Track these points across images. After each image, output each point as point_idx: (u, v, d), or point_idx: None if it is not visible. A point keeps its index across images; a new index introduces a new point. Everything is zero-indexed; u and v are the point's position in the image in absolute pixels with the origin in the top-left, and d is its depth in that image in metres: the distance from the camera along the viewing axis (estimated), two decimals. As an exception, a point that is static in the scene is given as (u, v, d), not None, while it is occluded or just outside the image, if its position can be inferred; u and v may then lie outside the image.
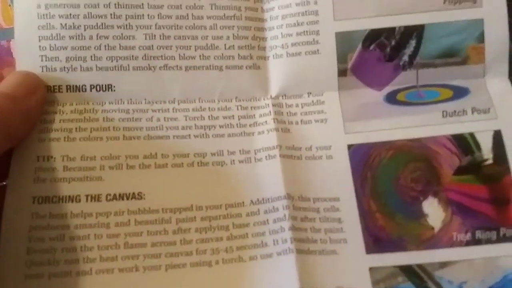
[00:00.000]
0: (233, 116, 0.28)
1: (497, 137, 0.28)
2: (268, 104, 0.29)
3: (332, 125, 0.28)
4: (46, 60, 0.27)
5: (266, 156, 0.28)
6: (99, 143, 0.27)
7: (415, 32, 0.29)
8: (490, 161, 0.28)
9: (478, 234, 0.27)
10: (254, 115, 0.28)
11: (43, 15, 0.27)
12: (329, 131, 0.28)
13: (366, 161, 0.28)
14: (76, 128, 0.27)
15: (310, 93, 0.29)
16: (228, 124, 0.28)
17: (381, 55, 0.29)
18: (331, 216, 0.27)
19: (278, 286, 0.25)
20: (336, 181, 0.27)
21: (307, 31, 0.29)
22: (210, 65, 0.28)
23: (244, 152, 0.28)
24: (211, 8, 0.29)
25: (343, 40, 0.29)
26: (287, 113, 0.29)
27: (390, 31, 0.29)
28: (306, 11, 0.29)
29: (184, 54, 0.28)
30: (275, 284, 0.25)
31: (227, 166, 0.27)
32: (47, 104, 0.27)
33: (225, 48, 0.28)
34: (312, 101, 0.29)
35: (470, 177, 0.28)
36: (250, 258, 0.26)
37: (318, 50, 0.29)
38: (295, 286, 0.25)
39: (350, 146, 0.28)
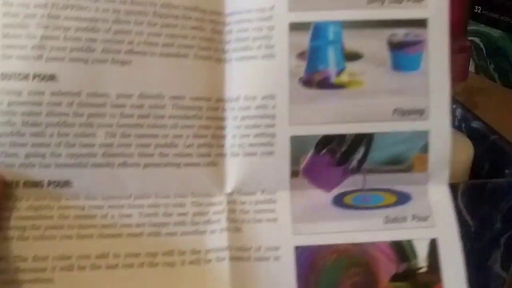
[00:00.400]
0: (187, 213, 0.29)
1: (433, 245, 0.29)
2: (222, 201, 0.29)
3: (281, 225, 0.29)
4: (5, 156, 0.27)
5: (215, 258, 0.28)
6: (52, 242, 0.27)
7: (365, 139, 0.30)
8: (424, 269, 0.29)
9: None
10: (208, 212, 0.29)
11: (5, 112, 0.27)
12: (279, 231, 0.29)
13: (311, 264, 0.29)
14: (30, 226, 0.27)
15: (264, 191, 0.30)
16: (181, 222, 0.29)
17: (332, 159, 0.30)
18: None
19: None
20: (280, 283, 0.28)
21: (263, 133, 0.30)
22: (168, 163, 0.29)
23: (195, 253, 0.28)
24: (173, 108, 0.29)
25: (297, 143, 0.30)
26: (240, 210, 0.29)
27: (341, 137, 0.30)
28: (264, 115, 0.30)
29: (143, 152, 0.28)
30: None
31: (176, 267, 0.28)
32: (3, 200, 0.27)
33: (185, 147, 0.29)
34: (265, 199, 0.30)
35: (404, 285, 0.29)
36: None
37: (273, 151, 0.29)
38: None
39: (297, 248, 0.29)
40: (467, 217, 0.35)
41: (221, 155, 0.30)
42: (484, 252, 0.37)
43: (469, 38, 0.75)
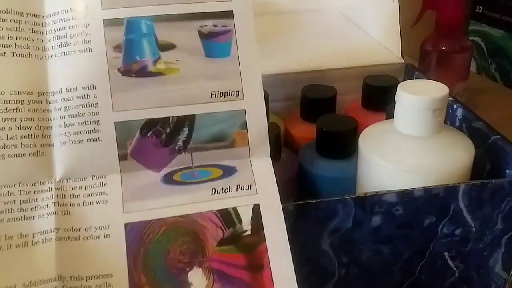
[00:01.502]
0: (14, 201, 0.30)
1: (256, 210, 0.32)
2: (51, 188, 0.31)
3: (112, 205, 0.31)
4: None
5: (43, 240, 0.30)
6: None
7: (187, 121, 0.32)
8: (248, 232, 0.32)
9: None
10: (36, 199, 0.31)
11: None
12: (109, 212, 0.31)
13: (141, 238, 0.31)
14: None
15: (94, 176, 0.32)
16: (9, 209, 0.30)
17: (158, 141, 0.32)
18: None
19: None
20: (111, 259, 0.30)
21: (88, 121, 0.32)
22: None
23: (22, 236, 0.30)
24: None
25: (122, 128, 0.32)
26: (70, 195, 0.31)
27: (165, 120, 0.32)
28: (86, 103, 0.32)
29: None
30: None
31: (3, 252, 0.29)
32: None
33: (7, 139, 0.31)
34: (95, 184, 0.32)
35: (231, 248, 0.31)
36: None
37: (99, 137, 0.32)
38: None
39: (127, 225, 0.31)
40: (468, 218, 0.35)
41: (48, 144, 0.31)
42: (485, 253, 0.36)
43: (471, 38, 0.75)
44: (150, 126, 0.32)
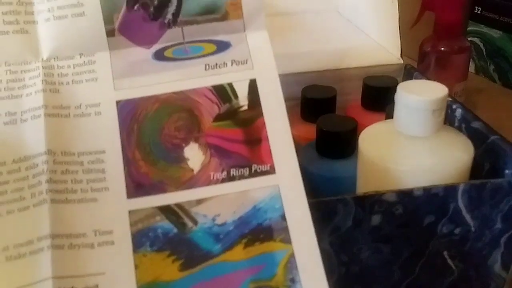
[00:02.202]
0: (1, 80, 0.30)
1: (252, 85, 0.31)
2: (38, 67, 0.30)
3: (102, 83, 0.30)
4: None
5: (31, 116, 0.29)
6: None
7: None
8: (245, 107, 0.31)
9: (233, 171, 0.29)
10: (23, 78, 0.30)
11: None
12: (99, 89, 0.30)
13: (134, 115, 0.30)
14: None
15: (82, 54, 0.30)
16: None
17: (146, 14, 0.31)
18: (95, 167, 0.29)
19: (30, 235, 0.26)
20: (103, 135, 0.29)
21: None
22: None
23: (10, 114, 0.29)
24: None
25: (108, 1, 0.30)
26: (58, 74, 0.30)
27: None
28: None
29: None
30: (27, 233, 0.27)
31: None
32: None
33: None
34: (84, 62, 0.30)
35: (228, 123, 0.30)
36: (8, 212, 0.27)
37: (83, 12, 0.30)
38: (46, 232, 0.26)
39: (118, 102, 0.30)
40: (467, 217, 0.35)
41: (31, 22, 0.30)
42: (484, 252, 0.37)
43: (469, 38, 0.75)
44: None
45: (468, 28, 0.77)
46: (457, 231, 0.35)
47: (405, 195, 0.33)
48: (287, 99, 0.50)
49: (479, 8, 0.75)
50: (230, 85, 0.31)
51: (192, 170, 0.29)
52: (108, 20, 0.30)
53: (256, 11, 0.31)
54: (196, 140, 0.30)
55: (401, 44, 0.53)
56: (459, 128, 0.41)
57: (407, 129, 0.35)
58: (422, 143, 0.35)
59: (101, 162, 0.29)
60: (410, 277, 0.37)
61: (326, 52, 0.56)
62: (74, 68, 0.30)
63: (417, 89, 0.35)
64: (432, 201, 0.34)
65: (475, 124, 0.40)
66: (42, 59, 0.30)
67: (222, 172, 0.29)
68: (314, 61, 0.53)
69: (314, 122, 0.42)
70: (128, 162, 0.29)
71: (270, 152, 0.30)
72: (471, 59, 0.68)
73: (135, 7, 0.30)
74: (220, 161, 0.29)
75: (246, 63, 0.31)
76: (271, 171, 0.29)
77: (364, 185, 0.37)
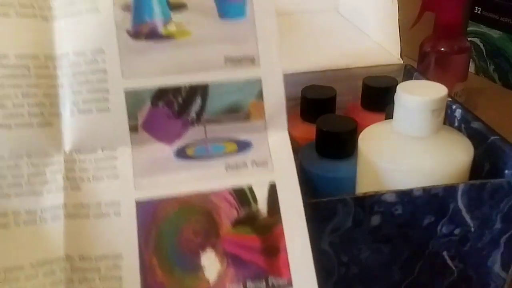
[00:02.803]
0: (23, 174, 0.29)
1: (272, 190, 0.30)
2: (60, 161, 0.30)
3: (123, 181, 0.30)
4: None
5: (51, 217, 0.29)
6: None
7: (200, 90, 0.31)
8: (264, 213, 0.30)
9: (249, 284, 0.29)
10: (45, 172, 0.29)
11: None
12: (120, 187, 0.30)
13: (153, 217, 0.29)
14: None
15: (104, 148, 0.30)
16: (16, 183, 0.29)
17: (170, 112, 0.31)
18: (112, 275, 0.28)
19: None
20: (121, 238, 0.29)
21: (97, 89, 0.30)
22: None
23: (30, 213, 0.29)
24: None
25: (133, 97, 0.30)
26: (80, 169, 0.30)
27: (177, 89, 0.30)
28: (95, 69, 0.30)
29: None
30: None
31: (11, 229, 0.28)
32: None
33: (14, 107, 0.29)
34: (105, 157, 0.30)
35: (246, 229, 0.30)
36: None
37: (108, 107, 0.30)
38: None
39: (138, 202, 0.29)
40: (467, 217, 0.35)
41: (56, 114, 0.30)
42: (484, 252, 0.37)
43: (469, 39, 0.75)
44: (161, 95, 0.30)
45: (468, 28, 0.77)
46: (457, 231, 0.35)
47: (405, 196, 0.33)
48: (287, 99, 0.51)
49: (479, 8, 0.75)
50: (250, 188, 0.30)
51: (208, 281, 0.29)
52: (132, 115, 0.30)
53: (278, 112, 0.31)
54: (214, 247, 0.29)
55: (401, 44, 0.53)
56: (459, 128, 0.41)
57: (406, 130, 0.35)
58: (422, 143, 0.35)
59: (118, 269, 0.28)
60: (409, 278, 0.37)
61: (326, 52, 0.56)
62: (95, 163, 0.30)
63: (417, 89, 0.35)
64: (432, 202, 0.34)
65: (475, 124, 0.40)
66: (64, 152, 0.30)
67: (238, 284, 0.29)
68: (314, 61, 0.53)
69: (314, 122, 0.42)
70: (145, 269, 0.28)
71: (288, 265, 0.29)
72: (471, 59, 0.68)
73: (160, 104, 0.30)
74: (236, 271, 0.29)
75: (267, 165, 0.31)
76: (288, 285, 0.29)
77: (364, 185, 0.37)
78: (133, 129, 0.30)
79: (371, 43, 0.59)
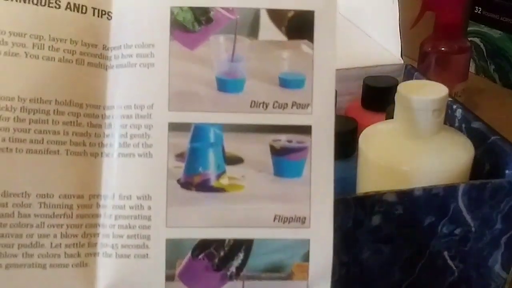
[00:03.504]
0: None
1: None
2: None
3: None
4: None
5: None
6: None
7: (244, 245, 0.29)
8: None
9: None
10: None
11: None
12: None
13: None
14: None
15: None
16: None
17: (209, 264, 0.29)
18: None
19: None
20: None
21: (138, 235, 0.29)
22: (33, 263, 0.28)
23: None
24: (40, 207, 0.28)
25: (173, 247, 0.29)
26: None
27: (220, 242, 0.29)
28: (139, 215, 0.29)
29: (5, 252, 0.28)
30: None
31: None
32: None
33: (51, 247, 0.28)
34: None
35: None
36: None
37: (147, 254, 0.29)
38: None
39: None
40: (468, 217, 0.35)
41: (93, 254, 0.29)
42: (484, 252, 0.37)
43: (469, 39, 0.75)
44: (203, 247, 0.29)
45: (468, 28, 0.77)
46: (457, 231, 0.35)
47: (405, 196, 0.33)
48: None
49: (479, 8, 0.75)
50: None
51: None
52: (170, 265, 0.29)
53: (323, 275, 0.29)
54: None
55: (401, 44, 0.53)
56: (459, 128, 0.41)
57: (407, 130, 0.35)
58: (422, 143, 0.35)
59: None
60: (410, 278, 0.37)
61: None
62: None
63: (417, 89, 0.35)
64: (433, 201, 0.34)
65: (476, 124, 0.40)
66: None
67: None
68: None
69: (314, 122, 0.42)
70: None
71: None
72: (471, 59, 0.68)
73: (200, 256, 0.29)
74: None
75: None
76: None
77: (364, 186, 0.37)
78: (169, 278, 0.29)
79: (372, 43, 0.59)
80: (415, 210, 0.34)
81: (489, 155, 0.38)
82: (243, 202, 0.29)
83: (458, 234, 0.35)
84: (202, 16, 0.30)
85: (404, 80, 0.50)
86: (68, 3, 0.30)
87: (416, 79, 0.50)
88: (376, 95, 0.48)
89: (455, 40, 0.63)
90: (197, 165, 0.29)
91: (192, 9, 0.30)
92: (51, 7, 0.29)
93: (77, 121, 0.29)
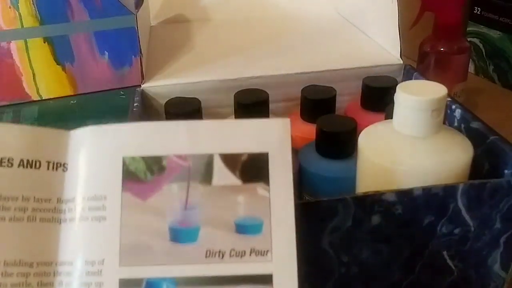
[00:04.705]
0: None
1: None
2: None
3: None
4: None
5: None
6: None
7: None
8: None
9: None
10: None
11: None
12: None
13: None
14: None
15: None
16: None
17: None
18: None
19: None
20: None
21: None
22: None
23: None
24: None
25: None
26: None
27: None
28: None
29: None
30: None
31: None
32: None
33: None
34: None
35: None
36: None
37: None
38: None
39: None
40: (467, 217, 0.35)
41: None
42: (483, 252, 0.37)
43: (469, 39, 0.75)
44: None
45: (467, 29, 0.77)
46: (456, 231, 0.35)
47: (405, 195, 0.33)
48: (287, 100, 0.51)
49: (478, 8, 0.75)
50: None
51: None
52: None
53: None
54: None
55: (401, 45, 0.53)
56: (458, 128, 0.41)
57: (406, 129, 0.35)
58: (421, 143, 0.35)
59: None
60: (409, 277, 0.37)
61: (326, 52, 0.56)
62: None
63: (417, 89, 0.35)
64: (432, 201, 0.34)
65: (475, 124, 0.40)
66: None
67: None
68: (313, 61, 0.53)
69: (314, 122, 0.42)
70: None
71: None
72: (470, 60, 0.68)
73: None
74: None
75: None
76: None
77: (364, 185, 0.37)
78: None
79: (371, 43, 0.59)
80: (414, 210, 0.34)
81: (488, 155, 0.38)
82: None
83: (457, 234, 0.36)
84: (155, 165, 0.29)
85: (403, 80, 0.50)
86: (21, 160, 0.29)
87: (415, 79, 0.50)
88: (376, 95, 0.48)
89: (455, 40, 0.63)
90: None
91: (144, 158, 0.29)
92: (3, 166, 0.29)
93: (26, 281, 0.28)
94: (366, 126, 0.39)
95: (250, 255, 0.28)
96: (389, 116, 0.39)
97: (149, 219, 0.29)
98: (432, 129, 0.35)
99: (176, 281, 0.28)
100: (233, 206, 0.29)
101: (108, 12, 0.73)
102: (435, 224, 0.35)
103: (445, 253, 0.36)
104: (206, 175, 0.29)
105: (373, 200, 0.33)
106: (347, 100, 0.51)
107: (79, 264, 0.28)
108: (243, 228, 0.29)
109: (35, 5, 0.68)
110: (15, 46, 0.70)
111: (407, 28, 0.58)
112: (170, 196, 0.29)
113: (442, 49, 0.62)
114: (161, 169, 0.29)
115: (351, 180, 0.39)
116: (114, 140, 0.30)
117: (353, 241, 0.35)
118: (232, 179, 0.29)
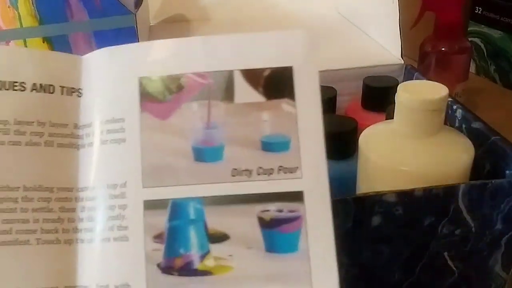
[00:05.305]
0: None
1: None
2: None
3: None
4: None
5: None
6: None
7: None
8: None
9: None
10: None
11: None
12: None
13: None
14: None
15: None
16: None
17: None
18: None
19: None
20: None
21: None
22: None
23: None
24: None
25: None
26: None
27: None
28: None
29: None
30: None
31: None
32: None
33: None
34: None
35: None
36: None
37: None
38: None
39: None
40: (468, 218, 0.35)
41: None
42: (484, 253, 0.37)
43: (470, 39, 0.75)
44: None
45: (468, 29, 0.76)
46: (457, 232, 0.35)
47: (405, 196, 0.33)
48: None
49: (479, 8, 0.75)
50: None
51: None
52: None
53: None
54: None
55: (401, 44, 0.53)
56: (459, 129, 0.41)
57: (407, 130, 0.35)
58: (422, 144, 0.35)
59: None
60: (410, 278, 0.37)
61: (326, 52, 0.56)
62: None
63: (418, 89, 0.35)
64: (433, 202, 0.34)
65: (476, 125, 0.40)
66: None
67: None
68: (314, 61, 0.53)
69: (314, 123, 0.42)
70: None
71: None
72: (471, 60, 0.68)
73: None
74: None
75: None
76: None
77: (364, 186, 0.37)
78: None
79: (372, 43, 0.58)
80: (415, 210, 0.34)
81: (490, 155, 0.38)
82: (233, 285, 0.26)
83: (458, 234, 0.35)
84: (172, 84, 0.28)
85: (404, 80, 0.50)
86: (34, 84, 0.29)
87: (416, 79, 0.50)
88: (376, 95, 0.47)
89: (455, 40, 0.63)
90: (178, 247, 0.27)
91: (162, 78, 0.28)
92: (16, 90, 0.28)
93: (48, 206, 0.27)
94: (367, 126, 0.39)
95: (278, 172, 0.27)
96: (390, 116, 0.39)
97: (171, 139, 0.28)
98: (433, 129, 0.35)
99: (203, 200, 0.27)
100: (258, 124, 0.28)
101: (108, 12, 0.73)
102: (436, 225, 0.35)
103: (445, 254, 0.36)
104: (228, 93, 0.28)
105: (373, 201, 0.33)
106: (348, 100, 0.51)
107: (101, 188, 0.28)
108: (269, 146, 0.28)
109: (34, 5, 0.68)
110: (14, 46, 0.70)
111: (408, 27, 0.58)
112: (190, 115, 0.28)
113: (443, 49, 0.62)
114: (179, 87, 0.28)
115: (352, 181, 0.39)
116: (128, 61, 0.29)
117: (353, 242, 0.34)
118: (255, 96, 0.28)
